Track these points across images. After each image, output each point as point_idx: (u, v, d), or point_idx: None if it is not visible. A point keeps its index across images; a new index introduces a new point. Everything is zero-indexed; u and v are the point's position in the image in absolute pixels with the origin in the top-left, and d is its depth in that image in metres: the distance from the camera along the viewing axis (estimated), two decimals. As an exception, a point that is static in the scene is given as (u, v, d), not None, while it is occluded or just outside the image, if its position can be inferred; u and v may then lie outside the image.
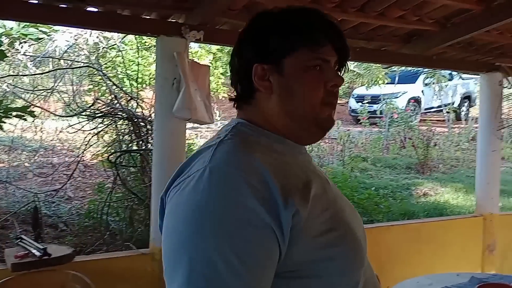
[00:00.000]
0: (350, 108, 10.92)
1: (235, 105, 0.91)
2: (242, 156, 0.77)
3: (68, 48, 4.85)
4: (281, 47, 0.83)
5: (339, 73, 0.88)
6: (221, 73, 8.38)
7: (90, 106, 3.98)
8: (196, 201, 0.72)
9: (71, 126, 4.27)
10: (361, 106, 9.96)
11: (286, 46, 0.83)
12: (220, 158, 0.76)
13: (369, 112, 9.33)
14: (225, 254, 0.67)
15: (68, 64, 4.77)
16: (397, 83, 10.27)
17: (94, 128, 3.92)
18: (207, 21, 2.37)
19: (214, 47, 7.65)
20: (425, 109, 11.01)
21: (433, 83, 10.91)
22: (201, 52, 6.96)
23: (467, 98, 11.54)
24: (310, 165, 0.91)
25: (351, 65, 10.04)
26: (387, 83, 9.86)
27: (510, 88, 4.21)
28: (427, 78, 10.89)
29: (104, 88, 4.36)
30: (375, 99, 9.92)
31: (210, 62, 7.13)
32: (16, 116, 3.07)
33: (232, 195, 0.71)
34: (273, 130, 0.86)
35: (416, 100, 10.72)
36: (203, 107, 2.38)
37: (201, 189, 0.72)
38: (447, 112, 9.84)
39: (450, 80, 11.01)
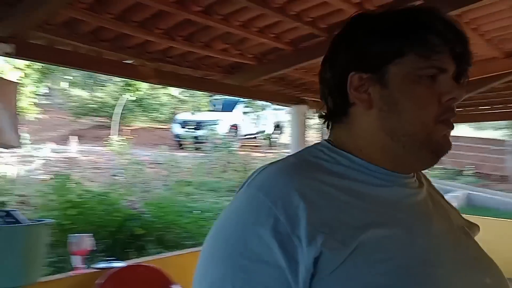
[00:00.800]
0: (174, 133, 11.05)
1: (327, 125, 0.75)
2: (280, 181, 0.65)
3: None
4: (384, 51, 0.68)
5: (459, 84, 0.69)
6: (32, 92, 7.57)
7: None
8: (219, 223, 0.68)
9: None
10: (185, 131, 10.18)
11: (390, 50, 0.67)
12: (258, 180, 0.67)
13: (193, 137, 9.59)
14: (226, 285, 0.61)
15: None
16: (219, 111, 10.85)
17: None
18: (19, 34, 2.13)
19: (23, 63, 6.88)
20: (244, 135, 11.86)
21: (251, 112, 11.87)
22: (9, 67, 6.18)
23: (278, 126, 12.87)
24: (409, 200, 0.70)
25: (176, 91, 10.25)
26: (210, 110, 10.33)
27: (312, 119, 4.89)
28: (246, 107, 11.78)
29: None
30: (199, 125, 10.27)
31: (19, 79, 6.38)
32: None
33: (250, 223, 0.63)
34: (362, 155, 0.70)
35: (236, 127, 11.48)
36: (10, 129, 2.12)
37: (227, 211, 0.68)
38: (263, 139, 10.80)
39: (264, 109, 12.14)
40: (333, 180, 0.66)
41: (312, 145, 0.73)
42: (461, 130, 11.32)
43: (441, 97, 0.67)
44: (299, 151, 0.72)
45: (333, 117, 0.74)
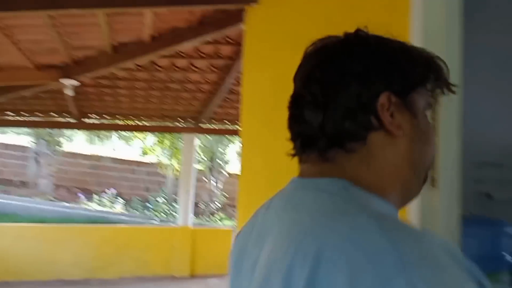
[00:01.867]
0: None
1: (322, 153, 0.56)
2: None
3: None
4: (414, 76, 0.58)
5: None
6: None
7: None
8: None
9: None
10: None
11: (417, 75, 0.58)
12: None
13: None
14: None
15: None
16: None
17: None
18: None
19: None
20: None
21: None
22: None
23: None
24: None
25: None
26: None
27: None
28: None
29: None
30: None
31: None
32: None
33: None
34: (384, 195, 0.56)
35: None
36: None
37: None
38: None
39: None
40: None
41: (338, 190, 0.54)
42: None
43: None
44: (356, 203, 0.52)
45: (343, 144, 0.56)
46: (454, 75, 1.06)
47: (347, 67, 0.57)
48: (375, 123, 0.55)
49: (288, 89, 0.67)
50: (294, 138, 0.60)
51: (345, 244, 0.45)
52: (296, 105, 0.60)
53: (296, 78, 0.62)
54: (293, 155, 0.61)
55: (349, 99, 0.56)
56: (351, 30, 0.60)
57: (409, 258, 0.42)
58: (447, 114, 1.11)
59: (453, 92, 0.62)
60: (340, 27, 0.65)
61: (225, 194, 11.43)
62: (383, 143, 0.57)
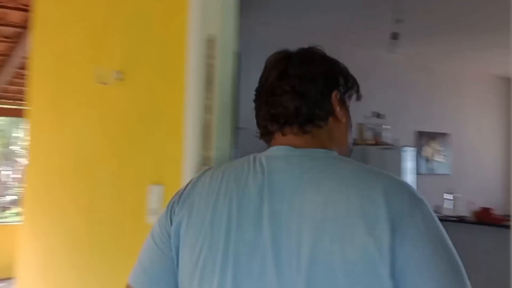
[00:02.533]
0: None
1: (302, 126, 0.82)
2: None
3: None
4: (349, 83, 0.89)
5: None
6: None
7: None
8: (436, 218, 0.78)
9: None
10: None
11: (350, 84, 0.89)
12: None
13: None
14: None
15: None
16: None
17: None
18: None
19: None
20: None
21: None
22: None
23: None
24: None
25: None
26: None
27: None
28: None
29: None
30: None
31: None
32: None
33: None
34: None
35: None
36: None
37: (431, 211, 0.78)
38: None
39: None
40: None
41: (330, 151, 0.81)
42: None
43: None
44: (353, 160, 0.78)
45: (314, 122, 0.82)
46: (230, 50, 1.11)
47: (316, 68, 0.84)
48: (331, 110, 0.83)
49: (76, 69, 0.65)
50: (268, 118, 0.83)
51: (394, 184, 0.70)
52: (272, 94, 0.83)
53: (268, 76, 0.85)
54: (263, 133, 0.86)
55: (317, 91, 0.82)
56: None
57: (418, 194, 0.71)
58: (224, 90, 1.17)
59: (359, 100, 0.91)
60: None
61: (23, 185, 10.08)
62: (334, 125, 0.84)
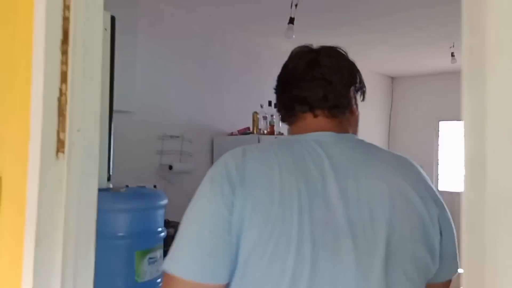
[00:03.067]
0: None
1: (331, 110, 0.96)
2: None
3: None
4: (363, 82, 1.04)
5: None
6: None
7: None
8: None
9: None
10: None
11: (361, 83, 1.03)
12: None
13: None
14: None
15: None
16: None
17: None
18: None
19: None
20: None
21: None
22: None
23: None
24: None
25: None
26: None
27: None
28: None
29: None
30: None
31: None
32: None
33: None
34: None
35: None
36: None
37: None
38: None
39: None
40: None
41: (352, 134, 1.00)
42: None
43: None
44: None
45: (339, 110, 0.97)
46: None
47: (342, 62, 0.98)
48: (349, 102, 0.98)
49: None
50: (298, 101, 0.96)
51: (418, 169, 0.92)
52: (303, 80, 0.95)
53: (296, 64, 0.98)
54: (290, 114, 0.99)
55: (341, 83, 0.95)
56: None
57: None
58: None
59: (363, 100, 1.05)
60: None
61: None
62: (350, 116, 0.99)
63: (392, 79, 7.26)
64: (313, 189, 0.79)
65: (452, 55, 4.88)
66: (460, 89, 0.43)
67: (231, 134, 4.09)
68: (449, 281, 0.93)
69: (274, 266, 0.73)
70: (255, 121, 3.90)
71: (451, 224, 0.88)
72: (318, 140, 0.89)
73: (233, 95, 4.37)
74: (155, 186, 3.60)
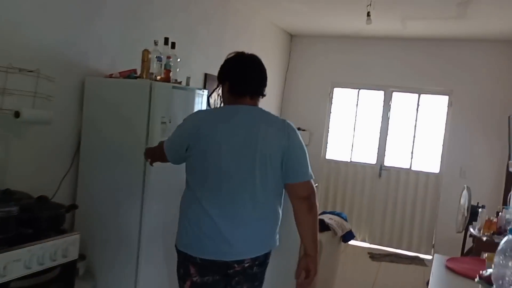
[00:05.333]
0: None
1: (258, 97, 2.01)
2: None
3: None
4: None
5: None
6: None
7: None
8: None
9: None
10: None
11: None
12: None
13: None
14: None
15: None
16: None
17: None
18: None
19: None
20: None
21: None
22: None
23: None
24: None
25: None
26: None
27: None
28: None
29: None
30: None
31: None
32: None
33: None
34: None
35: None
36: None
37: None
38: None
39: None
40: None
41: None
42: None
43: None
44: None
45: (261, 96, 2.03)
46: None
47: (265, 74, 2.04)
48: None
49: None
50: (245, 91, 1.97)
51: (291, 126, 1.96)
52: (252, 79, 2.00)
53: (244, 67, 2.00)
54: (238, 94, 1.97)
55: (265, 84, 2.02)
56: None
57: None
58: None
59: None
60: None
61: None
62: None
63: (292, 36, 6.72)
64: (234, 131, 1.89)
65: (368, 14, 4.43)
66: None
67: (111, 76, 3.05)
68: (298, 184, 1.91)
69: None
70: (145, 62, 2.92)
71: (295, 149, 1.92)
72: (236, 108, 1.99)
73: (117, 22, 3.28)
74: (-9, 141, 2.45)
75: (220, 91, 4.69)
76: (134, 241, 2.76)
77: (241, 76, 1.94)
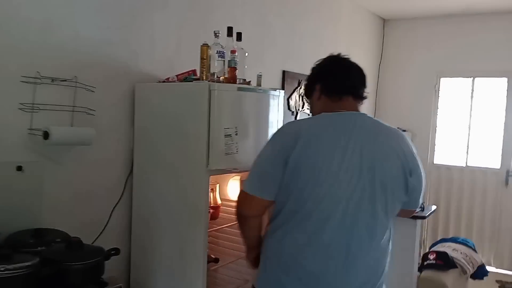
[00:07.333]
0: None
1: (359, 101, 1.66)
2: None
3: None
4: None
5: None
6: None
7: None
8: None
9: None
10: None
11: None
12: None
13: None
14: None
15: None
16: None
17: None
18: None
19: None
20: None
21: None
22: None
23: None
24: None
25: None
26: None
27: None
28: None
29: None
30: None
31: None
32: None
33: None
34: None
35: None
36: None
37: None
38: None
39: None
40: None
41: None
42: None
43: None
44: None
45: (362, 100, 1.68)
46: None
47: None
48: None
49: None
50: (347, 89, 1.61)
51: (405, 138, 1.60)
52: (354, 76, 1.66)
53: (342, 62, 1.67)
54: (338, 93, 1.61)
55: (366, 83, 1.67)
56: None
57: None
58: None
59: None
60: None
61: None
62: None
63: (385, 21, 5.79)
64: (336, 142, 1.54)
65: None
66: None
67: (167, 80, 2.49)
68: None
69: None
70: (204, 59, 2.30)
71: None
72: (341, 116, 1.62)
73: (173, 14, 2.72)
74: (20, 169, 2.00)
75: (301, 91, 3.96)
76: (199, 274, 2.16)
77: (342, 70, 1.65)
